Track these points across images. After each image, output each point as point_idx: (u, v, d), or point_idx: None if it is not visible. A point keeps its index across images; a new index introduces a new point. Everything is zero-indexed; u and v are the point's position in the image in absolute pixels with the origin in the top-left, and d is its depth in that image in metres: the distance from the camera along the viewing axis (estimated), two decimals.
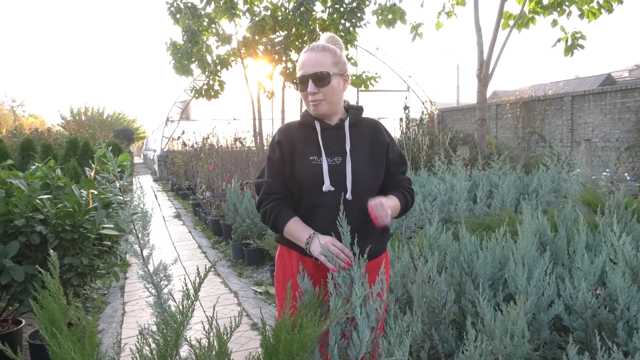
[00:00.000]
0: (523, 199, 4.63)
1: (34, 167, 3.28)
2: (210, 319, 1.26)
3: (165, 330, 1.23)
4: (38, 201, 2.62)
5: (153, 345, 1.20)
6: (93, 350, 1.33)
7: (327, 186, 1.56)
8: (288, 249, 1.67)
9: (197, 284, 1.34)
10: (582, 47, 8.60)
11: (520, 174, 5.42)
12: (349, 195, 1.56)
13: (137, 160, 32.09)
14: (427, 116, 15.87)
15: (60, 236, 2.65)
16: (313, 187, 1.58)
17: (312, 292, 1.42)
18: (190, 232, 7.47)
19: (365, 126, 1.69)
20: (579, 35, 8.58)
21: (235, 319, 1.42)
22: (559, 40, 8.71)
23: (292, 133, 1.66)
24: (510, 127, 13.43)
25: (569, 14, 8.31)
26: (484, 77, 8.22)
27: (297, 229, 1.58)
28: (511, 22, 8.58)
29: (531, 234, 2.10)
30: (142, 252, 2.23)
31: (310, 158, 1.60)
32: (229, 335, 1.38)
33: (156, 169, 17.80)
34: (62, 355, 1.18)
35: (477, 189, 4.59)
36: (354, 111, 1.69)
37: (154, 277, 2.23)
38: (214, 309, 1.37)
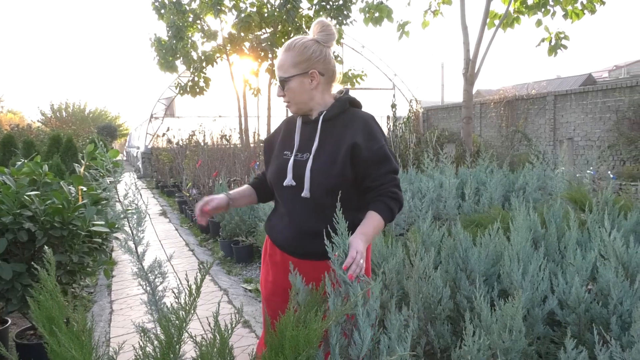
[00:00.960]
0: (510, 196, 4.69)
1: (19, 163, 3.20)
2: (214, 314, 1.25)
3: (167, 327, 1.21)
4: (26, 197, 2.56)
5: (156, 343, 1.19)
6: (91, 347, 1.30)
7: (287, 181, 1.60)
8: (267, 236, 1.80)
9: (199, 281, 1.33)
10: (565, 47, 8.75)
11: (506, 171, 5.50)
12: (305, 193, 1.56)
13: (120, 157, 31.59)
14: (413, 114, 15.97)
15: (49, 233, 2.60)
16: (279, 181, 1.63)
17: (314, 290, 1.42)
18: (177, 229, 7.40)
19: (342, 122, 1.62)
20: (562, 35, 8.72)
21: (236, 316, 1.41)
22: (543, 40, 8.84)
23: (281, 128, 1.77)
24: (494, 125, 13.60)
25: (554, 14, 8.45)
26: (470, 75, 8.29)
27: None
28: (497, 22, 8.68)
29: (526, 229, 2.12)
30: (136, 248, 2.20)
31: (284, 152, 1.67)
32: (230, 332, 1.37)
33: (140, 166, 17.57)
34: (61, 354, 1.16)
35: (465, 186, 4.63)
36: (335, 104, 1.64)
37: (149, 275, 2.20)
38: (218, 306, 1.36)
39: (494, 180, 4.76)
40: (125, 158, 30.28)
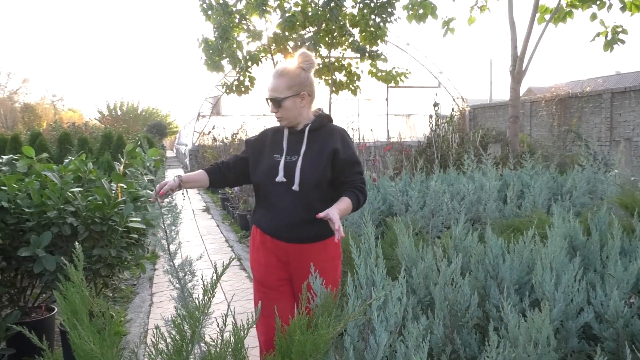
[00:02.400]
0: (556, 200, 4.47)
1: (67, 160, 3.38)
2: (224, 316, 1.26)
3: (182, 326, 1.24)
4: (69, 194, 2.70)
5: (169, 340, 1.22)
6: (113, 341, 1.35)
7: (279, 177, 1.94)
8: (254, 226, 2.09)
9: (214, 281, 1.35)
10: (622, 41, 8.23)
11: (554, 173, 5.24)
12: (295, 187, 1.91)
13: (170, 154, 32.80)
14: (458, 113, 15.56)
15: (90, 228, 2.73)
16: (270, 178, 1.96)
17: (328, 293, 1.41)
18: (218, 225, 7.58)
19: (323, 132, 2.03)
20: (619, 29, 8.20)
21: (252, 315, 1.43)
22: (598, 35, 8.36)
23: (267, 136, 2.11)
24: (545, 125, 13.03)
25: (610, 6, 7.95)
26: (517, 73, 7.98)
27: None
28: (547, 16, 8.28)
29: (560, 237, 2.02)
30: (169, 247, 2.27)
31: (274, 155, 2.01)
32: (245, 332, 1.38)
33: (187, 162, 18.13)
34: (81, 346, 1.21)
35: (508, 188, 4.46)
36: (316, 119, 2.05)
37: (179, 272, 2.26)
38: (228, 307, 1.38)
39: (538, 182, 4.56)
40: (175, 154, 31.35)
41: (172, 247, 2.28)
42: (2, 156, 3.61)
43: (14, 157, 3.30)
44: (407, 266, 2.48)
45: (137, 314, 3.82)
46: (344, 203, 1.90)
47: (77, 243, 1.59)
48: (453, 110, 8.78)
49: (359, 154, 2.07)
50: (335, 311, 1.35)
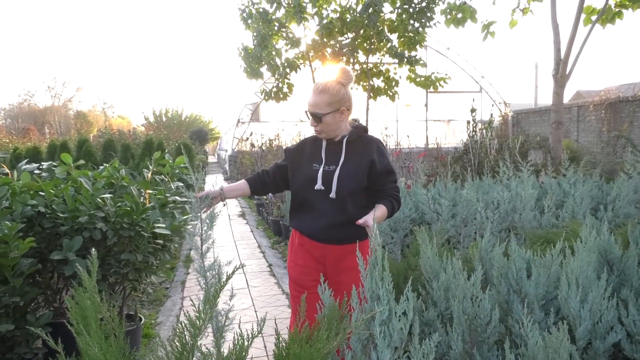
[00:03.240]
0: (598, 210, 4.24)
1: (101, 167, 3.52)
2: (221, 328, 1.26)
3: (182, 335, 1.25)
4: (99, 200, 2.80)
5: (169, 348, 1.23)
6: (121, 347, 1.38)
7: (318, 185, 2.10)
8: (294, 230, 2.24)
9: (218, 289, 1.36)
10: None
11: (598, 181, 4.98)
12: (332, 194, 2.07)
13: (212, 159, 33.63)
14: (501, 118, 15.11)
15: (118, 233, 2.82)
16: (310, 186, 2.11)
17: (334, 305, 1.39)
18: (252, 231, 7.67)
19: (360, 143, 2.16)
20: None
21: (258, 325, 1.42)
22: None
23: (305, 145, 2.25)
24: (594, 130, 12.44)
25: None
26: (560, 77, 7.67)
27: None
28: (593, 18, 7.93)
29: (589, 251, 1.90)
30: (202, 245, 2.31)
31: (313, 165, 2.15)
32: (249, 343, 1.38)
33: (227, 168, 18.51)
34: (87, 351, 1.25)
35: (546, 197, 4.27)
36: (353, 130, 2.18)
37: (207, 273, 2.29)
38: (225, 317, 1.37)
39: (578, 191, 4.34)
40: (216, 160, 32.10)
41: (205, 246, 2.32)
42: (46, 163, 3.81)
43: (54, 163, 3.47)
44: (428, 277, 2.41)
45: (167, 316, 3.91)
46: (380, 210, 2.05)
47: (93, 249, 1.64)
48: (492, 115, 8.51)
49: (393, 161, 2.19)
50: (337, 325, 1.32)
